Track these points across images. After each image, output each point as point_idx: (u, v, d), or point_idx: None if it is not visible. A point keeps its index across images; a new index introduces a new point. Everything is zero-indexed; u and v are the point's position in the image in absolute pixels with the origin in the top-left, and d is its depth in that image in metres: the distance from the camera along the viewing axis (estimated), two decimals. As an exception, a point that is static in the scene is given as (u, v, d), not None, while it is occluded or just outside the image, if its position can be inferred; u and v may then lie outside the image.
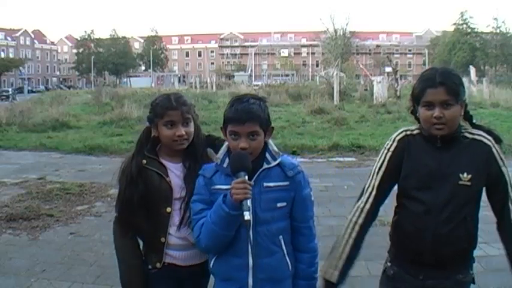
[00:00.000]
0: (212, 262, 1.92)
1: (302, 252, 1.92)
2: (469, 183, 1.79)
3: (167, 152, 2.06)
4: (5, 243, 4.71)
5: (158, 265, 2.04)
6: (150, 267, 2.06)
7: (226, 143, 1.89)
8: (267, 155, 1.86)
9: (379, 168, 1.94)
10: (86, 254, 4.38)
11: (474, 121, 1.90)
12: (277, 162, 1.86)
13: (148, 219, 2.00)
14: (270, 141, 1.90)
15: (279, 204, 1.84)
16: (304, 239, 1.92)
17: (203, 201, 1.87)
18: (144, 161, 2.02)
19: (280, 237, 1.86)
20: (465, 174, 1.79)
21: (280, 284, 1.88)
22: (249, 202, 1.72)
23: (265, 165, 1.84)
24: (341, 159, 9.16)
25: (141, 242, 2.12)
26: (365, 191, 1.95)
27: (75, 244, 4.68)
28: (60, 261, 4.23)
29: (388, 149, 1.93)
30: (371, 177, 1.96)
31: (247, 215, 1.69)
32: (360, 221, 1.93)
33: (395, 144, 1.92)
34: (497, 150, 1.83)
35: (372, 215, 1.94)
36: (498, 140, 1.86)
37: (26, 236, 4.92)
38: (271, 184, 1.83)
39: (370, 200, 1.93)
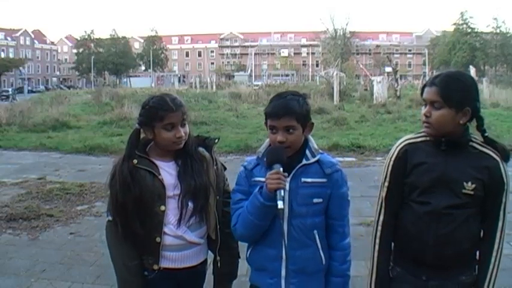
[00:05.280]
0: (248, 252, 2.01)
1: (335, 249, 1.95)
2: (472, 193, 1.79)
3: (158, 152, 2.04)
4: (5, 243, 4.71)
5: (155, 267, 2.01)
6: (146, 273, 2.03)
7: (268, 139, 1.96)
8: (307, 152, 1.93)
9: (385, 179, 1.95)
10: (86, 254, 4.38)
11: (486, 134, 1.87)
12: (316, 159, 1.92)
13: (143, 220, 1.97)
14: (311, 139, 1.97)
15: (315, 200, 1.89)
16: (338, 237, 1.96)
17: (242, 192, 1.96)
18: (135, 161, 1.99)
19: (315, 231, 1.91)
20: (469, 183, 1.79)
21: (312, 276, 1.93)
22: (282, 192, 1.78)
23: (304, 161, 1.90)
24: (341, 159, 9.13)
25: None
26: (377, 204, 1.97)
27: (75, 244, 4.68)
28: (60, 261, 4.23)
29: (390, 158, 1.95)
30: (380, 188, 1.98)
31: (280, 204, 1.75)
32: (378, 234, 1.95)
33: (396, 153, 1.93)
34: (504, 168, 1.83)
35: (387, 225, 1.95)
36: (506, 158, 1.85)
37: (26, 236, 4.92)
38: (309, 180, 1.89)
39: (382, 211, 1.96)
